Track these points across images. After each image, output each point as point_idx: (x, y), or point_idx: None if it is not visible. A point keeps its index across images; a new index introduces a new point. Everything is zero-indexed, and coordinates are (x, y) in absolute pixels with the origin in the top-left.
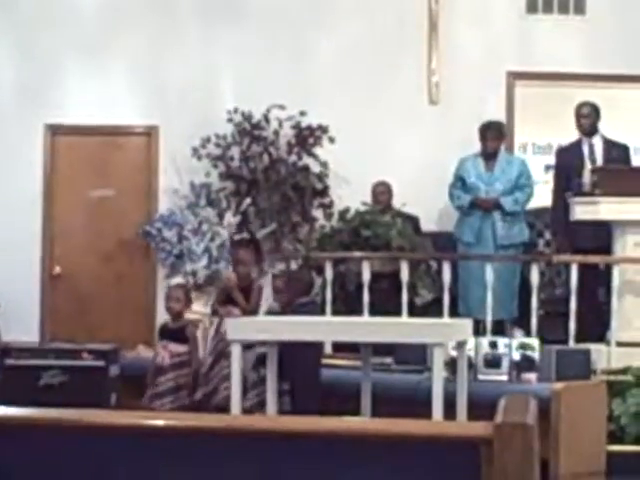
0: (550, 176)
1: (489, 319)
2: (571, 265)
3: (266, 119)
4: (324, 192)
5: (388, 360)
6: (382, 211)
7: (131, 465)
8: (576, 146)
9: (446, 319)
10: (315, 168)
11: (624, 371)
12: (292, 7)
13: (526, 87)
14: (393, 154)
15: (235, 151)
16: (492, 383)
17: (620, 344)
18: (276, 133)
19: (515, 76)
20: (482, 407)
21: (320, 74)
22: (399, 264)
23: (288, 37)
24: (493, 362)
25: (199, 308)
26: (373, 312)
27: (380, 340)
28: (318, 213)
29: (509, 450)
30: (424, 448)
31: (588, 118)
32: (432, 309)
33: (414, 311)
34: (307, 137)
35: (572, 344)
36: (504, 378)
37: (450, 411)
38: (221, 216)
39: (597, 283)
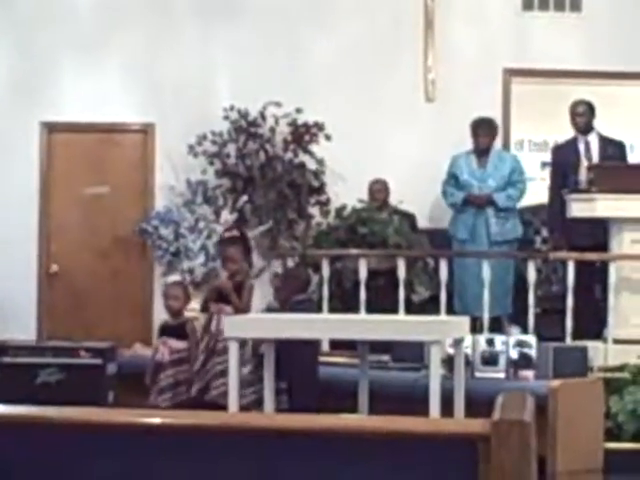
0: (546, 173)
1: (486, 316)
2: (568, 262)
3: (262, 116)
4: (320, 189)
5: (385, 358)
6: (379, 208)
7: (128, 462)
8: (572, 143)
9: (443, 316)
10: (311, 165)
11: (621, 368)
12: (288, 5)
13: (522, 84)
14: (389, 151)
15: (231, 148)
16: (489, 380)
17: (617, 341)
18: (272, 130)
19: (511, 73)
20: (479, 404)
21: (316, 71)
22: (396, 261)
23: (284, 34)
24: (490, 359)
25: (196, 305)
26: (370, 310)
27: (377, 338)
28: (314, 210)
29: (506, 447)
30: (422, 445)
31: (583, 116)
32: (429, 306)
33: (411, 308)
34: (303, 134)
35: (569, 341)
36: (501, 375)
37: (447, 408)
38: (217, 213)
39: (594, 280)
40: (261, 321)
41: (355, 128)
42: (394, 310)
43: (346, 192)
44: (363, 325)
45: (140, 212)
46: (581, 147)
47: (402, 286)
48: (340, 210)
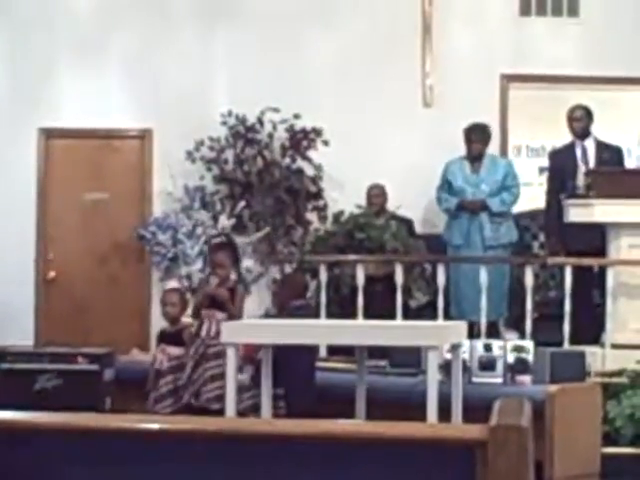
0: (544, 178)
1: (483, 321)
2: (565, 267)
3: (260, 122)
4: (318, 195)
5: (383, 363)
6: (376, 214)
7: (126, 468)
8: (569, 149)
9: (440, 322)
10: (309, 171)
11: (619, 373)
12: (286, 11)
13: (520, 89)
14: (387, 157)
15: (229, 154)
16: (487, 386)
17: (615, 346)
18: (270, 136)
19: (509, 78)
20: (477, 410)
21: (314, 77)
22: (393, 267)
23: (282, 41)
24: (487, 365)
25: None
26: (367, 315)
27: (375, 343)
28: (312, 216)
29: (504, 452)
30: (419, 451)
31: (580, 122)
32: (426, 312)
33: (408, 314)
34: (301, 140)
35: (567, 346)
36: (499, 381)
37: (445, 414)
38: (215, 219)
39: (591, 285)
40: (259, 326)
41: (353, 134)
42: (392, 315)
43: (344, 198)
44: (361, 330)
45: (138, 218)
46: (578, 152)
47: (400, 291)
48: (338, 216)
